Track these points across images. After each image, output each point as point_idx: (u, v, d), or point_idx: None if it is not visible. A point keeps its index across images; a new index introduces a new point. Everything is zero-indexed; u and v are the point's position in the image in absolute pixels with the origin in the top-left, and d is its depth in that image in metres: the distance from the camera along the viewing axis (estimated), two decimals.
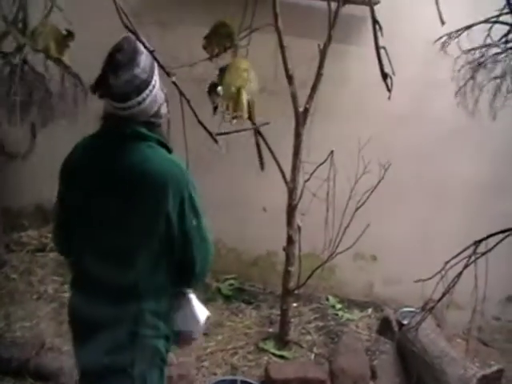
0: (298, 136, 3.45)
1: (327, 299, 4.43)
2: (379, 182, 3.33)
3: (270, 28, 3.28)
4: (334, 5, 3.26)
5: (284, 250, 3.64)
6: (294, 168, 3.48)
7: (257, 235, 4.39)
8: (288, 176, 3.52)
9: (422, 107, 4.15)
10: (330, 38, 3.28)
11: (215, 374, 3.54)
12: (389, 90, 3.10)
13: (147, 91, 1.94)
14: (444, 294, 2.89)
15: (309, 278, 3.53)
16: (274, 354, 3.69)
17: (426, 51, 4.06)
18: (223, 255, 4.54)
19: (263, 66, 3.62)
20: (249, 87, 3.21)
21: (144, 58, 1.93)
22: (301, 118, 3.42)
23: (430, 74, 4.12)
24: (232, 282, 4.44)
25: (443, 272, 2.87)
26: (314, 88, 3.40)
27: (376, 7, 3.74)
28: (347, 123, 4.09)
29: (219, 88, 3.17)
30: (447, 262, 2.88)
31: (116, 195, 1.96)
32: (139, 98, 1.93)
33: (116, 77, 1.88)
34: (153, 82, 1.96)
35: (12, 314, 3.89)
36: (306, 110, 3.41)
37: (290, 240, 3.59)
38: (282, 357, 3.69)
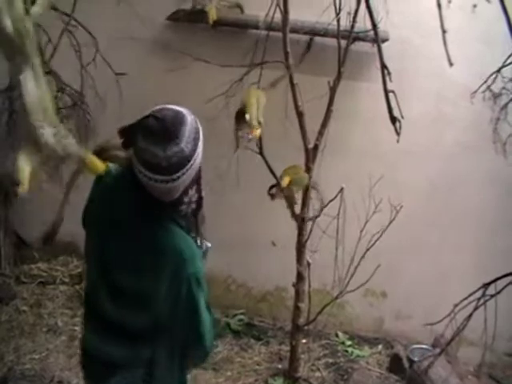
0: (307, 172, 3.46)
1: (337, 335, 4.38)
2: (390, 223, 3.31)
3: (281, 65, 3.32)
4: (344, 42, 3.30)
5: (293, 286, 3.63)
6: (304, 205, 3.49)
7: (266, 270, 4.39)
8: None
9: (433, 143, 4.15)
10: (339, 75, 3.31)
11: None
12: (397, 134, 3.15)
13: (184, 170, 1.80)
14: (453, 338, 2.89)
15: (318, 314, 3.51)
16: None
17: (437, 87, 4.08)
18: (233, 290, 4.54)
19: (273, 102, 3.66)
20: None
21: (187, 130, 1.80)
22: (310, 155, 3.44)
23: (441, 110, 4.13)
24: (241, 317, 4.41)
25: (452, 314, 2.86)
26: (324, 125, 3.42)
27: (386, 44, 3.79)
28: (358, 160, 4.10)
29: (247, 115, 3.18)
30: (456, 305, 2.87)
31: (126, 255, 1.95)
32: (177, 175, 1.79)
33: (164, 149, 1.75)
34: (193, 159, 1.82)
35: (22, 346, 3.89)
36: (316, 147, 3.43)
37: (299, 276, 3.58)
38: None
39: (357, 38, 3.66)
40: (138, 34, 4.19)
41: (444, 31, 2.52)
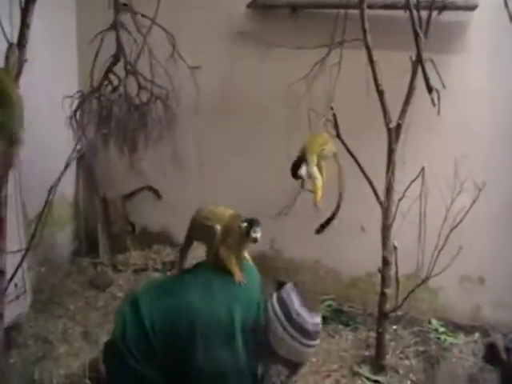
0: (390, 153, 3.31)
1: (430, 322, 4.17)
2: (474, 202, 3.14)
3: (361, 43, 3.20)
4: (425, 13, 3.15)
5: (379, 271, 3.50)
6: (388, 187, 3.34)
7: (356, 256, 4.27)
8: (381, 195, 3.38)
9: None
10: (419, 49, 3.14)
11: None
12: (434, 104, 3.08)
13: None
14: None
15: (404, 300, 3.34)
16: (368, 379, 3.51)
17: None
18: (322, 276, 4.46)
19: (354, 81, 3.56)
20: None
21: None
22: (393, 134, 3.29)
23: None
24: (330, 302, 4.32)
25: None
26: (406, 102, 3.27)
27: (475, 12, 3.60)
28: (446, 137, 3.89)
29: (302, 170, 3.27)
30: None
31: None
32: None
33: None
34: None
35: None
36: (399, 126, 3.28)
37: (385, 261, 3.45)
38: (376, 382, 3.50)
39: (440, 8, 3.50)
40: (217, 24, 4.24)
41: None
